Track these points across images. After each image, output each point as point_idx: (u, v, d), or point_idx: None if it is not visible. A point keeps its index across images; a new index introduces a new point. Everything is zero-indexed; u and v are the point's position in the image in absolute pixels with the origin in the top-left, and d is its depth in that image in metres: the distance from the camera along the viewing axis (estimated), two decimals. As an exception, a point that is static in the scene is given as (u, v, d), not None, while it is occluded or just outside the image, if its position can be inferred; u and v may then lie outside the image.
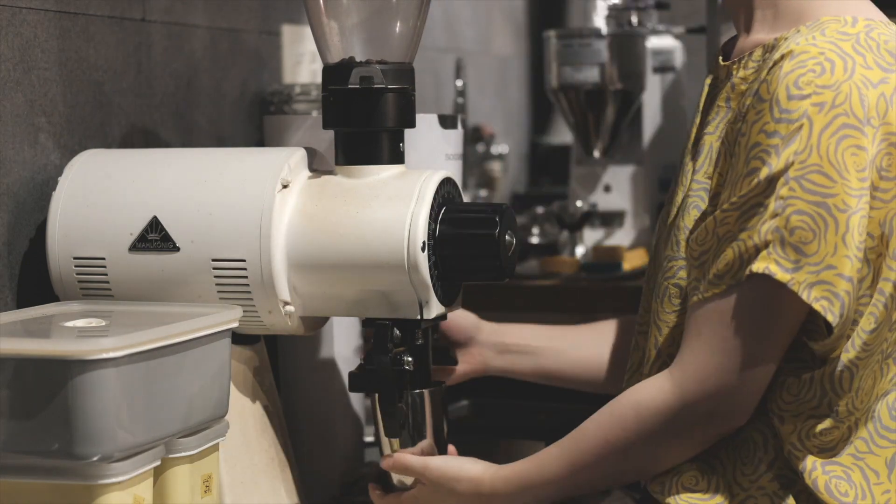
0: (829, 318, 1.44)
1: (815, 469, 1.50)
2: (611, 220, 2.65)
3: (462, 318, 1.86)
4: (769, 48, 1.54)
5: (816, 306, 1.44)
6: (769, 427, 1.52)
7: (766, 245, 1.45)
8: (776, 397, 1.51)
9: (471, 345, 1.87)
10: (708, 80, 1.66)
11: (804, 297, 1.44)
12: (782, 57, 1.47)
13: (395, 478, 1.72)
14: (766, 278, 1.45)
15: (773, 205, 1.45)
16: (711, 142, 1.58)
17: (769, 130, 1.45)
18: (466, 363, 1.88)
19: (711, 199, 1.56)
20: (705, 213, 1.55)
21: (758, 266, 1.45)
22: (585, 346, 1.87)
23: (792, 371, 1.51)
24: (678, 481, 1.55)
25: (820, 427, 1.50)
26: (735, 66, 1.58)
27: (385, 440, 1.70)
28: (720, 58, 1.64)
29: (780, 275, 1.44)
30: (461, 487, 1.63)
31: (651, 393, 1.52)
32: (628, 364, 1.68)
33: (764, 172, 1.45)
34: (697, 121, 1.66)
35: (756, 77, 1.52)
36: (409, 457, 1.67)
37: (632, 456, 1.54)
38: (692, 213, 1.58)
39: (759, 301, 1.47)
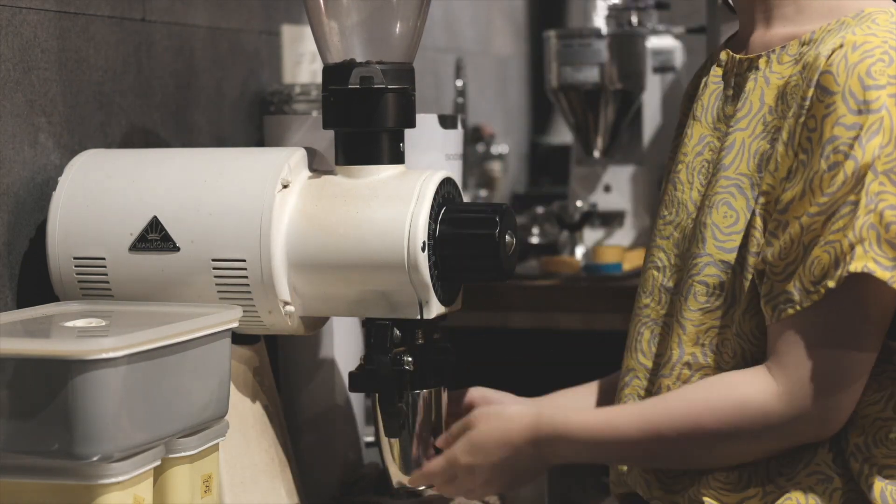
0: None
1: (871, 475, 1.48)
2: (611, 220, 2.65)
3: (497, 398, 1.80)
4: (806, 42, 1.52)
5: None
6: None
7: (862, 242, 1.42)
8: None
9: None
10: (716, 72, 1.64)
11: None
12: (841, 47, 1.45)
13: (395, 479, 1.72)
14: (866, 277, 1.42)
15: (864, 200, 1.42)
16: (743, 138, 1.55)
17: (847, 123, 1.43)
18: None
19: (764, 201, 1.52)
20: (777, 223, 1.50)
21: (856, 266, 1.42)
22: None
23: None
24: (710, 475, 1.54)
25: (892, 435, 1.49)
26: (763, 60, 1.56)
27: (385, 440, 1.70)
28: (728, 51, 1.62)
29: (880, 273, 1.42)
30: (513, 425, 1.60)
31: (756, 394, 1.48)
32: (631, 353, 1.66)
33: (850, 166, 1.42)
34: (709, 117, 1.63)
35: (800, 70, 1.50)
36: (451, 432, 1.66)
37: (719, 447, 1.51)
38: (722, 209, 1.55)
39: (860, 301, 1.45)
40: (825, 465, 1.50)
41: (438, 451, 1.72)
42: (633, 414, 1.55)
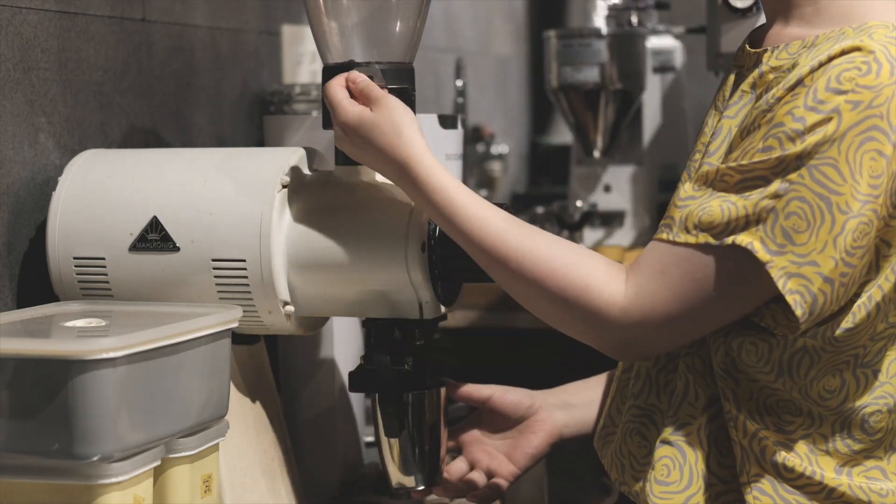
0: (798, 312, 1.44)
1: (764, 440, 1.51)
2: (611, 220, 2.65)
3: (512, 394, 1.81)
4: (808, 45, 1.53)
5: (789, 298, 1.43)
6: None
7: (758, 221, 1.44)
8: (737, 355, 1.51)
9: (534, 414, 1.81)
10: (737, 62, 1.64)
11: (780, 284, 1.43)
12: (830, 59, 1.45)
13: (395, 480, 1.72)
14: (747, 253, 1.44)
15: (777, 184, 1.44)
16: (731, 126, 1.57)
17: (796, 115, 1.44)
18: (538, 433, 1.80)
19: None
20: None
21: (742, 239, 1.44)
22: None
23: (752, 338, 1.51)
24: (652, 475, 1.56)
25: (774, 399, 1.51)
26: (766, 55, 1.57)
27: (385, 440, 1.70)
28: (747, 45, 1.63)
29: (762, 254, 1.44)
30: (391, 148, 1.58)
31: (603, 287, 1.50)
32: None
33: (777, 153, 1.44)
34: (724, 106, 1.64)
35: (789, 68, 1.50)
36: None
37: (541, 303, 1.54)
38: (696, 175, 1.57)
39: (733, 271, 1.46)
40: (694, 422, 1.55)
41: (439, 452, 1.72)
42: (497, 230, 1.55)
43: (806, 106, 1.44)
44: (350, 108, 1.59)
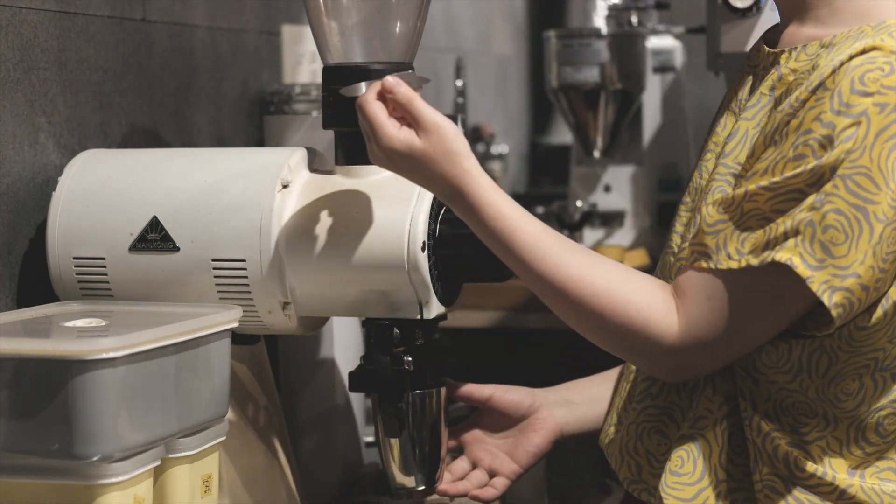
0: (838, 321, 1.45)
1: (778, 440, 1.51)
2: (611, 220, 2.65)
3: (513, 393, 1.81)
4: (826, 45, 1.52)
5: (834, 312, 1.44)
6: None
7: (796, 235, 1.44)
8: (757, 355, 1.52)
9: (535, 412, 1.81)
10: (751, 63, 1.64)
11: (824, 299, 1.43)
12: (851, 58, 1.45)
13: (395, 480, 1.72)
14: (786, 269, 1.44)
15: (813, 197, 1.43)
16: (748, 128, 1.56)
17: (825, 120, 1.43)
18: (539, 431, 1.80)
19: (739, 182, 1.54)
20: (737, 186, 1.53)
21: (782, 255, 1.44)
22: None
23: (775, 338, 1.51)
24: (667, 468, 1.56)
25: (791, 401, 1.51)
26: (784, 56, 1.57)
27: (385, 440, 1.70)
28: (764, 46, 1.63)
29: (802, 269, 1.43)
30: (440, 170, 1.52)
31: (660, 320, 1.51)
32: None
33: (811, 163, 1.43)
34: (739, 107, 1.63)
35: (809, 70, 1.50)
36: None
37: (599, 334, 1.54)
38: (717, 196, 1.56)
39: (775, 289, 1.47)
40: (712, 422, 1.55)
41: (439, 452, 1.72)
42: (557, 258, 1.54)
43: (833, 110, 1.43)
44: (395, 135, 1.51)
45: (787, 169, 1.45)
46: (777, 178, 1.45)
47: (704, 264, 1.50)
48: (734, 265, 1.47)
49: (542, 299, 1.56)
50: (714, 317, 1.49)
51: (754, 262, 1.46)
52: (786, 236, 1.44)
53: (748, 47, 2.12)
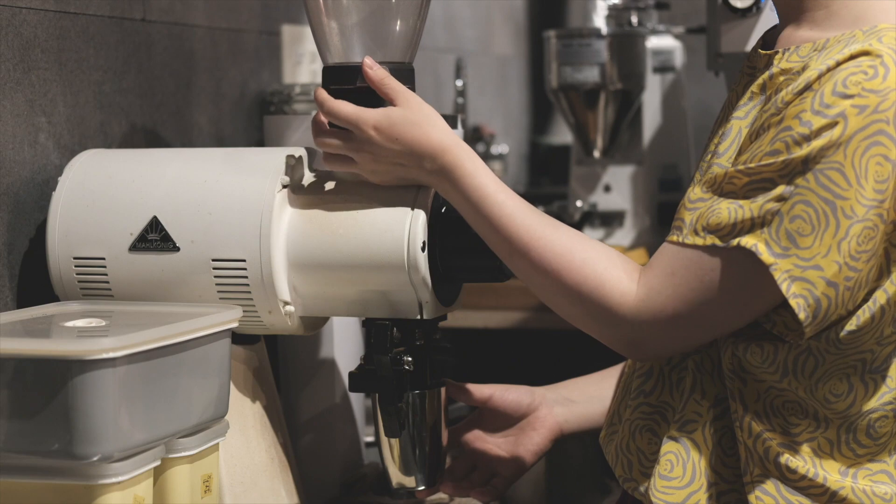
0: (802, 315, 1.44)
1: (769, 441, 1.51)
2: (611, 220, 2.65)
3: (512, 392, 1.81)
4: (818, 48, 1.53)
5: (792, 302, 1.44)
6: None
7: (763, 224, 1.45)
8: (743, 356, 1.51)
9: (534, 411, 1.81)
10: (749, 63, 1.65)
11: (783, 287, 1.44)
12: (838, 64, 1.46)
13: (395, 480, 1.72)
14: (751, 255, 1.45)
15: (783, 188, 1.44)
16: (740, 127, 1.57)
17: (803, 119, 1.44)
18: (539, 429, 1.81)
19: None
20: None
21: (746, 241, 1.45)
22: None
23: (758, 340, 1.51)
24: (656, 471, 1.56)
25: (781, 400, 1.51)
26: (778, 56, 1.57)
27: (385, 440, 1.70)
28: (759, 48, 1.63)
29: (766, 256, 1.44)
30: (424, 140, 1.59)
31: (616, 285, 1.52)
32: None
33: (785, 157, 1.44)
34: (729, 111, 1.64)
35: (799, 71, 1.51)
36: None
37: (557, 297, 1.56)
38: (707, 177, 1.57)
39: (739, 273, 1.47)
40: (697, 417, 1.56)
41: (439, 452, 1.72)
42: (523, 220, 1.58)
43: (813, 110, 1.44)
44: (371, 111, 1.60)
45: (763, 159, 1.46)
46: (752, 165, 1.46)
47: (675, 238, 1.51)
48: (699, 241, 1.48)
49: (507, 262, 1.60)
50: (673, 291, 1.50)
51: (719, 243, 1.47)
52: (752, 223, 1.45)
53: (748, 47, 2.13)
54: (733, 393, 1.53)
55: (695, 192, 1.51)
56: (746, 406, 1.52)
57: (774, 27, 1.66)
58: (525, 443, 1.80)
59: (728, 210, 1.47)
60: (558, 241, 1.56)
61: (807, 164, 1.43)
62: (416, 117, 1.59)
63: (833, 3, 1.55)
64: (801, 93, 1.46)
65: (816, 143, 1.43)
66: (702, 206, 1.49)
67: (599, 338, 1.57)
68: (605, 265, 1.54)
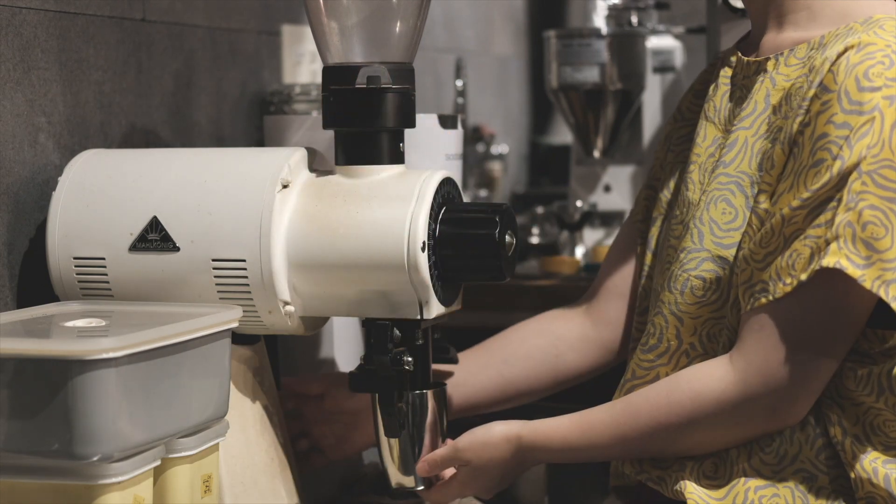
0: None
1: (874, 462, 1.50)
2: (611, 220, 2.65)
3: (343, 394, 1.83)
4: (815, 46, 1.53)
5: (894, 305, 1.43)
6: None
7: (837, 239, 1.44)
8: (836, 386, 1.51)
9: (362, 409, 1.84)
10: (726, 73, 1.64)
11: (881, 293, 1.43)
12: (846, 49, 1.46)
13: (395, 480, 1.72)
14: (837, 273, 1.44)
15: (845, 198, 1.43)
16: (746, 137, 1.57)
17: (838, 122, 1.44)
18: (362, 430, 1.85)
19: (762, 199, 1.54)
20: (766, 212, 1.53)
21: (828, 261, 1.44)
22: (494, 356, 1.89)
23: (852, 363, 1.51)
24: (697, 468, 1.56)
25: (881, 419, 1.50)
26: (771, 63, 1.57)
27: (385, 440, 1.70)
28: (739, 53, 1.63)
29: (851, 270, 1.43)
30: (498, 450, 1.64)
31: (711, 383, 1.52)
32: (643, 340, 1.67)
33: (836, 166, 1.44)
34: (720, 118, 1.63)
35: (806, 73, 1.51)
36: (436, 452, 1.67)
37: (681, 440, 1.55)
38: (720, 206, 1.56)
39: (829, 296, 1.46)
40: (809, 464, 1.52)
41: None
42: (603, 422, 1.59)
43: (844, 111, 1.44)
44: (457, 487, 1.68)
45: (811, 179, 1.45)
46: (807, 194, 1.45)
47: (764, 299, 1.49)
48: (788, 289, 1.47)
49: (648, 454, 1.61)
50: (768, 343, 1.49)
51: (803, 277, 1.45)
52: (827, 243, 1.44)
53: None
54: (831, 419, 1.52)
55: (755, 252, 1.50)
56: (846, 430, 1.51)
57: (747, 35, 1.66)
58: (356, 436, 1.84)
59: (807, 246, 1.46)
60: (640, 409, 1.56)
61: (859, 168, 1.43)
62: (478, 454, 1.65)
63: (815, 4, 1.56)
64: (819, 86, 1.46)
65: (861, 144, 1.43)
66: (774, 260, 1.48)
67: (750, 432, 1.54)
68: (685, 378, 1.54)
